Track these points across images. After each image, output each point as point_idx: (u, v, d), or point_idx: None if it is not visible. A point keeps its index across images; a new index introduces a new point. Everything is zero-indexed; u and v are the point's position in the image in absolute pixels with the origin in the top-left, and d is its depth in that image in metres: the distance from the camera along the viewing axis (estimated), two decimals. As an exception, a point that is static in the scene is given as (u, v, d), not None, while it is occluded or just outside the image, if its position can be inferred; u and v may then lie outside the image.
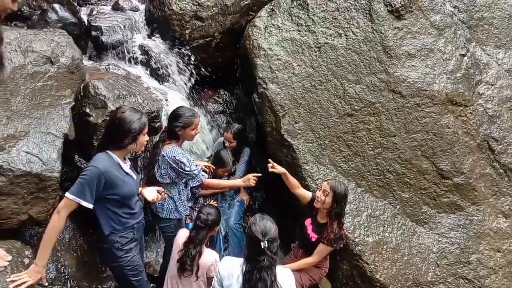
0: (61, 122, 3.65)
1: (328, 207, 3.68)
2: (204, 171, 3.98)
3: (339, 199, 3.64)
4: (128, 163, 3.14)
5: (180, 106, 3.94)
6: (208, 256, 3.50)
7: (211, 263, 3.46)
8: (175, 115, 3.70)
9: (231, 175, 4.79)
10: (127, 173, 3.01)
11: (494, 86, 4.98)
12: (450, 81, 4.75)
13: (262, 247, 2.65)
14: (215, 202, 4.55)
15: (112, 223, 2.99)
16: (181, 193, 3.84)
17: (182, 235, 3.63)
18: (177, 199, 3.82)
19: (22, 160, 3.27)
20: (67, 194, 2.76)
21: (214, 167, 4.41)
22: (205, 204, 4.28)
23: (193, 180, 3.74)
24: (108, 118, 3.18)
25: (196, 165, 3.76)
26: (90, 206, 2.81)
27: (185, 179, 3.81)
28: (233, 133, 4.79)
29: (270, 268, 2.69)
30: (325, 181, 3.81)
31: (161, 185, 3.74)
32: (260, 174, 3.98)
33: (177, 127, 3.64)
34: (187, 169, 3.63)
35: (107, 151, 2.95)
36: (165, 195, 3.50)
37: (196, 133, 3.78)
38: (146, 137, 3.07)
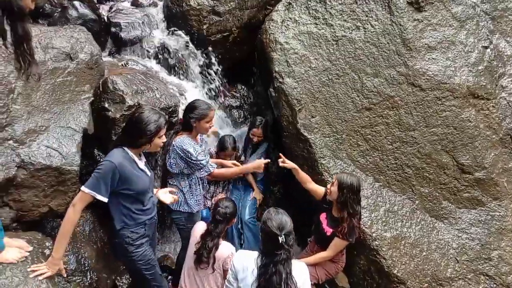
0: (81, 117, 3.72)
1: (336, 197, 3.66)
2: None
3: (344, 188, 3.58)
4: (143, 159, 3.18)
5: (196, 99, 3.98)
6: (225, 248, 3.53)
7: (227, 256, 3.49)
8: (190, 107, 3.75)
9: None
10: (141, 170, 3.05)
11: (518, 79, 4.84)
12: (471, 74, 4.64)
13: (280, 241, 2.66)
14: (224, 194, 4.60)
15: (123, 218, 3.03)
16: (192, 187, 3.86)
17: (200, 227, 3.67)
18: (186, 191, 3.84)
19: (42, 154, 3.35)
20: (82, 188, 2.82)
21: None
22: (222, 197, 4.30)
23: (201, 170, 3.79)
24: (129, 115, 3.21)
25: (205, 156, 3.79)
26: (105, 199, 2.86)
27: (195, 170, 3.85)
28: (262, 127, 4.81)
29: (286, 261, 2.71)
30: None
31: (172, 176, 3.79)
32: (269, 160, 4.02)
33: (192, 119, 3.69)
34: (194, 158, 3.66)
35: (123, 147, 2.99)
36: (177, 196, 3.61)
37: (211, 126, 3.82)
38: (163, 139, 3.09)
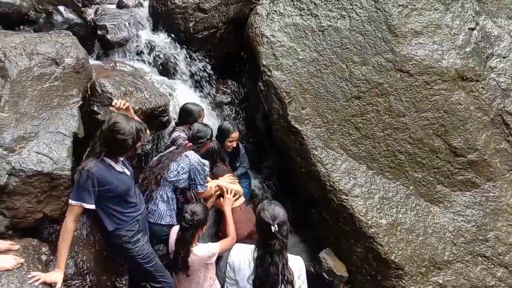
0: (70, 121, 3.71)
1: None
2: None
3: None
4: (121, 158, 3.20)
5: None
6: (200, 252, 3.40)
7: (207, 257, 3.41)
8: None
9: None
10: (120, 172, 3.07)
11: (506, 59, 4.83)
12: (459, 57, 4.64)
13: (273, 231, 2.68)
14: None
15: (114, 219, 3.06)
16: (175, 200, 3.90)
17: (175, 232, 3.53)
18: (173, 203, 3.87)
19: (33, 160, 3.34)
20: (69, 201, 2.87)
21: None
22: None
23: (200, 186, 3.81)
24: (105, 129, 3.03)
25: None
26: (92, 207, 2.92)
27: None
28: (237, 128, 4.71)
29: (281, 252, 2.72)
30: None
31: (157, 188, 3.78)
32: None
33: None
34: (206, 173, 3.81)
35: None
36: None
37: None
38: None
